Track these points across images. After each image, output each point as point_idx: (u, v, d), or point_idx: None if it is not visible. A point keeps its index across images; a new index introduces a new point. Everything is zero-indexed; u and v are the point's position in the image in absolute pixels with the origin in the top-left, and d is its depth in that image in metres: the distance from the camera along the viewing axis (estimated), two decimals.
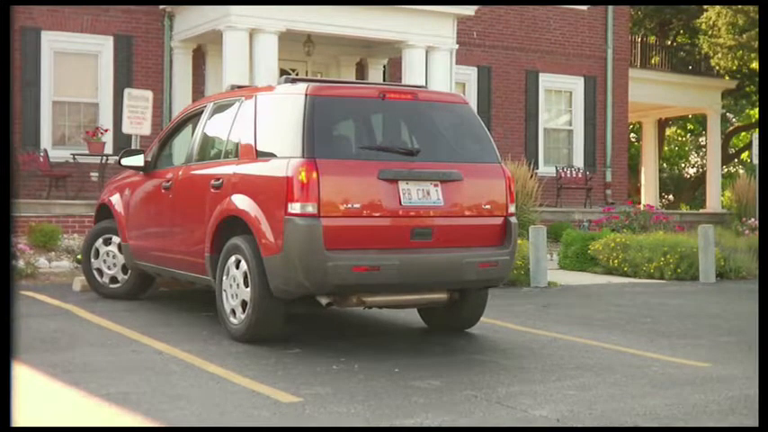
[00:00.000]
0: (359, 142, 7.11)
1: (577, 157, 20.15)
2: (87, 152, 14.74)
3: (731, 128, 33.74)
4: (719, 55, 22.24)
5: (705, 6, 23.68)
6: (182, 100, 15.60)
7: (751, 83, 25.46)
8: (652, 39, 27.28)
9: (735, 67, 23.35)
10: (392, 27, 15.51)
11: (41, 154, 14.48)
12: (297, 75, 16.36)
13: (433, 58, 15.94)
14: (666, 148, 33.80)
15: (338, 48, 16.90)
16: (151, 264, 8.38)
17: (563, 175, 18.99)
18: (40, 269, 10.91)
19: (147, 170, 8.56)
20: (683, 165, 37.88)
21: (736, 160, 34.87)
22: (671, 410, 5.10)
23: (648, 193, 25.04)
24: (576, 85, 20.17)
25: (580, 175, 19.30)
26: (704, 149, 30.41)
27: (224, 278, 6.98)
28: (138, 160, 8.56)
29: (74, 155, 14.75)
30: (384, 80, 17.39)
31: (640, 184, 26.52)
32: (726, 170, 32.74)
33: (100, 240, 9.17)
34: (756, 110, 29.62)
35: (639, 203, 22.00)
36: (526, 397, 5.35)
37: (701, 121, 31.43)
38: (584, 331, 7.97)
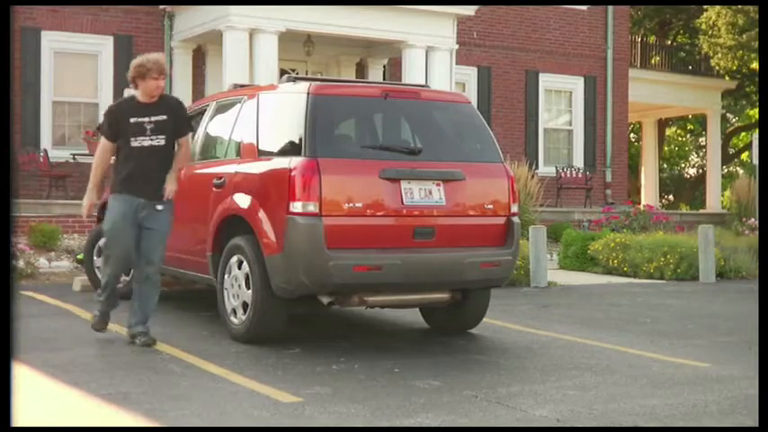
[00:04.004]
0: (361, 141, 7.12)
1: (577, 157, 20.14)
2: (87, 152, 14.73)
3: (731, 128, 33.74)
4: (719, 55, 22.23)
5: (705, 6, 23.67)
6: (182, 100, 15.58)
7: (751, 83, 25.45)
8: (652, 39, 27.28)
9: (735, 67, 23.34)
10: (392, 27, 15.50)
11: (41, 154, 14.48)
12: (297, 74, 16.37)
13: (433, 58, 15.94)
14: (666, 148, 33.80)
15: (338, 48, 16.89)
16: None
17: (563, 175, 18.99)
18: (40, 269, 10.91)
19: None
20: (683, 165, 37.88)
21: (736, 160, 34.88)
22: (671, 410, 5.10)
23: (648, 193, 25.04)
24: (576, 85, 20.16)
25: (580, 175, 19.30)
26: (704, 149, 30.40)
27: (225, 278, 6.98)
28: None
29: (74, 155, 14.75)
30: (384, 80, 17.38)
31: (640, 184, 26.52)
32: (726, 170, 32.75)
33: (103, 239, 9.17)
34: (756, 110, 29.62)
35: (639, 203, 21.99)
36: (526, 397, 5.35)
37: (701, 121, 31.42)
38: (584, 331, 7.97)
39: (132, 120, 6.54)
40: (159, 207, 6.62)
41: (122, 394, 5.14)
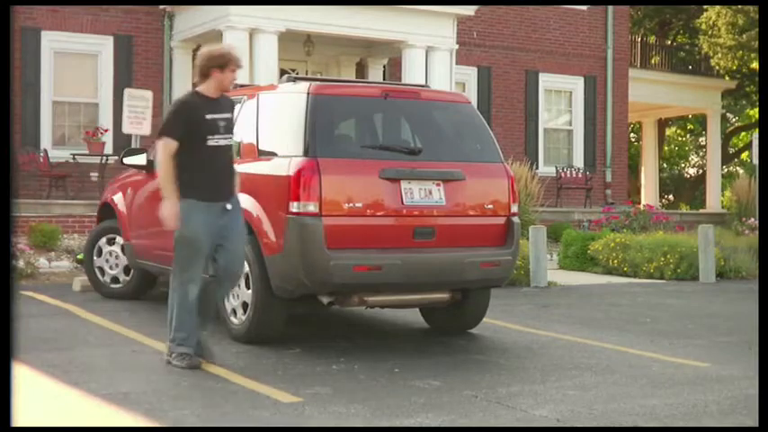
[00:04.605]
0: (361, 141, 7.13)
1: (577, 157, 20.14)
2: (87, 152, 14.74)
3: (731, 128, 33.74)
4: (719, 55, 22.23)
5: (705, 6, 23.68)
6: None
7: (751, 83, 25.45)
8: (652, 39, 27.27)
9: (735, 67, 23.34)
10: (392, 27, 15.50)
11: (41, 154, 14.47)
12: (297, 74, 16.37)
13: (433, 58, 15.94)
14: (666, 148, 33.80)
15: (338, 48, 16.89)
16: (153, 263, 8.38)
17: (563, 175, 18.98)
18: (40, 269, 10.91)
19: (150, 169, 8.54)
20: (683, 165, 37.88)
21: (736, 160, 34.87)
22: (671, 410, 5.10)
23: (648, 193, 25.04)
24: (576, 84, 20.16)
25: (580, 175, 19.30)
26: (704, 149, 30.40)
27: None
28: (140, 159, 8.40)
29: (74, 155, 14.75)
30: (384, 80, 17.37)
31: (640, 184, 26.52)
32: (726, 170, 32.74)
33: (103, 239, 9.18)
34: (756, 110, 29.62)
35: (639, 203, 21.99)
36: (526, 397, 5.35)
37: (701, 121, 31.42)
38: (584, 331, 7.97)
39: (208, 116, 5.90)
40: (228, 206, 6.03)
41: (122, 394, 5.14)
